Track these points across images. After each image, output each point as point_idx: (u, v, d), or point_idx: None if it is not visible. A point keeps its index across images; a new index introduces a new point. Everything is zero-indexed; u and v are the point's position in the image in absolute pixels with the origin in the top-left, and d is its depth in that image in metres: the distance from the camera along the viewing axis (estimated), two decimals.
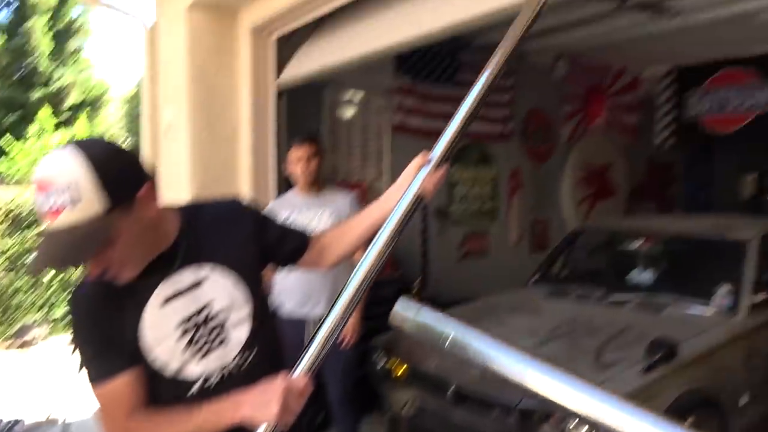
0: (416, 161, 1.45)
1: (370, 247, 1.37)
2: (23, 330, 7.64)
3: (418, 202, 1.42)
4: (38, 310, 7.94)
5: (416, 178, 1.43)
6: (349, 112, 4.91)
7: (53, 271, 7.98)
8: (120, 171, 1.18)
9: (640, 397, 2.36)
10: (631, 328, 2.92)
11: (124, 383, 1.26)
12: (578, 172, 6.57)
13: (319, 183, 3.10)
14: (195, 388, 1.30)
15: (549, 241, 6.14)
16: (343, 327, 1.31)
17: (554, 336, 2.98)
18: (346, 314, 1.30)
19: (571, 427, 2.32)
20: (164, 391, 1.29)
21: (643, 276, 3.63)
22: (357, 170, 4.94)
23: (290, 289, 2.95)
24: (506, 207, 6.00)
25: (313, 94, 4.59)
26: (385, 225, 1.38)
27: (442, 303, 4.59)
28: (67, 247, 1.12)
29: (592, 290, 3.54)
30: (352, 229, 1.51)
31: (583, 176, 6.60)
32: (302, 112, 4.38)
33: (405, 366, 3.17)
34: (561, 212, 6.45)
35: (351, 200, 3.11)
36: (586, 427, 2.24)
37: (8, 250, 7.80)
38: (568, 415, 2.30)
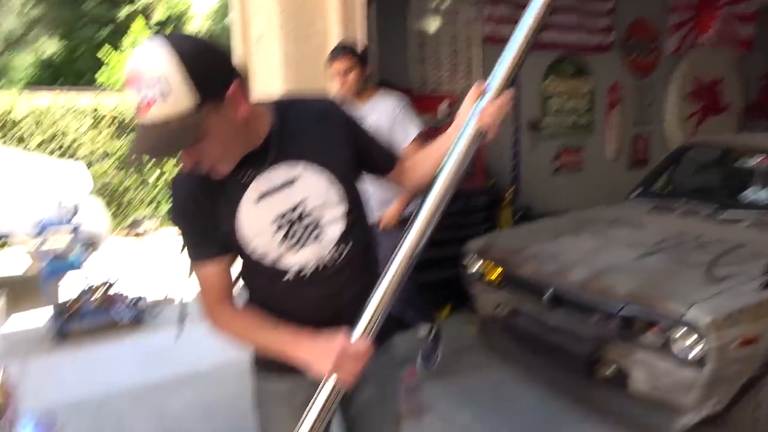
0: (470, 94, 1.35)
1: (425, 197, 1.32)
2: (135, 223, 8.40)
3: (480, 138, 1.33)
4: (147, 206, 8.68)
5: (472, 112, 1.32)
6: (437, 22, 4.74)
7: (158, 171, 8.57)
8: (209, 66, 1.16)
9: (758, 313, 2.28)
10: (746, 245, 2.77)
11: (214, 269, 1.34)
12: (686, 87, 6.11)
13: (364, 93, 3.01)
14: (290, 275, 1.35)
15: (649, 157, 5.85)
16: (402, 283, 1.29)
17: (659, 248, 2.88)
18: (406, 270, 1.28)
19: (676, 336, 2.28)
20: (264, 274, 1.36)
21: (760, 194, 3.40)
22: (446, 81, 4.83)
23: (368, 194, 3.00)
24: (604, 121, 5.72)
25: (402, 3, 4.48)
26: (441, 168, 1.32)
27: (534, 215, 4.57)
28: (159, 139, 1.13)
29: (700, 207, 3.36)
30: (431, 155, 1.45)
31: (690, 91, 6.14)
32: (390, 22, 4.28)
33: (499, 270, 3.20)
34: (664, 128, 6.08)
35: (396, 104, 3.01)
36: (694, 336, 2.21)
37: (117, 151, 8.41)
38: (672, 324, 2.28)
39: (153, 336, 4.31)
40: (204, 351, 3.94)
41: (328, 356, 1.22)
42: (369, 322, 1.28)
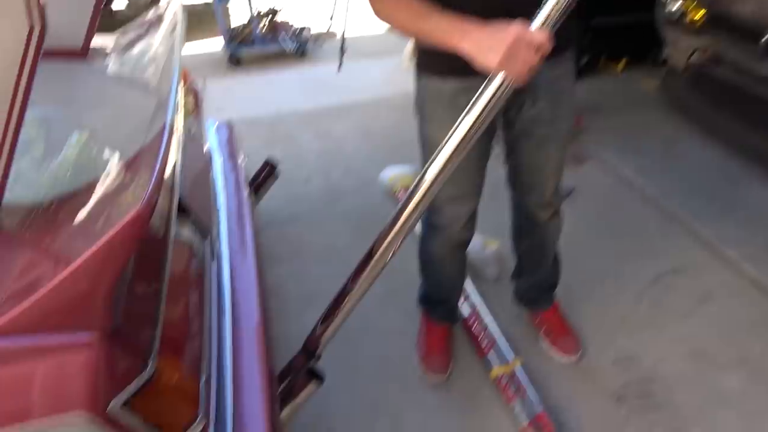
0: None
1: None
2: None
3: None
4: None
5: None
6: None
7: None
8: None
9: None
10: None
11: None
12: None
13: None
14: None
15: None
16: None
17: None
18: None
19: None
20: None
21: None
22: None
23: None
24: None
25: None
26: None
27: None
28: None
29: None
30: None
31: None
32: None
33: (703, 10, 2.66)
34: None
35: None
36: None
37: None
38: None
39: (316, 67, 4.43)
40: (363, 84, 4.03)
41: (498, 46, 1.05)
42: (550, 13, 1.08)
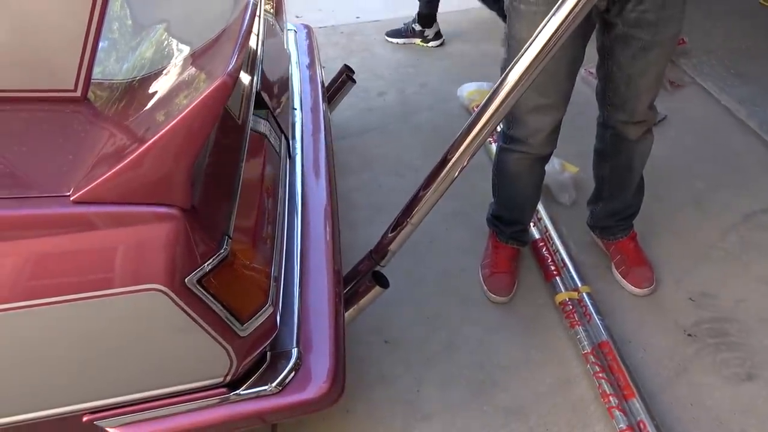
0: None
1: None
2: None
3: None
4: None
5: None
6: None
7: None
8: None
9: None
10: None
11: None
12: None
13: None
14: None
15: None
16: None
17: None
18: None
19: None
20: None
21: None
22: None
23: None
24: None
25: None
26: None
27: None
28: None
29: None
30: None
31: None
32: None
33: None
34: None
35: None
36: None
37: None
38: None
39: None
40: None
41: None
42: None
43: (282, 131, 1.42)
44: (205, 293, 0.89)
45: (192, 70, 0.96)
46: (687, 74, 2.75)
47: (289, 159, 1.45)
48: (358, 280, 1.41)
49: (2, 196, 0.82)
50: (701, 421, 1.44)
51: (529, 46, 1.04)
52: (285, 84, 1.69)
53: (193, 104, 0.78)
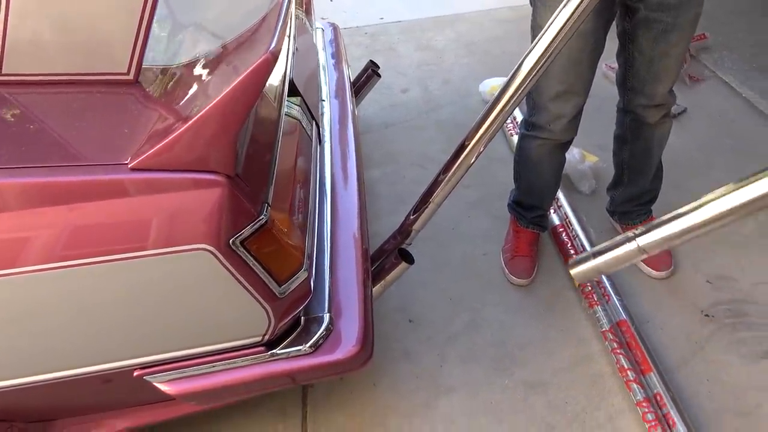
0: None
1: None
2: None
3: None
4: None
5: None
6: None
7: None
8: None
9: None
10: None
11: None
12: None
13: None
14: None
15: None
16: None
17: None
18: None
19: None
20: None
21: None
22: None
23: None
24: None
25: None
26: None
27: None
28: None
29: None
30: None
31: None
32: None
33: None
34: None
35: None
36: None
37: None
38: None
39: None
40: None
41: None
42: None
43: (313, 117, 1.51)
44: (247, 254, 0.98)
45: (233, 55, 1.06)
46: (708, 68, 2.78)
47: (320, 144, 1.54)
48: (384, 258, 1.49)
49: (69, 164, 0.92)
50: (717, 396, 1.48)
51: (545, 32, 1.11)
52: (315, 76, 1.78)
53: (240, 79, 0.87)
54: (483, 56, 3.14)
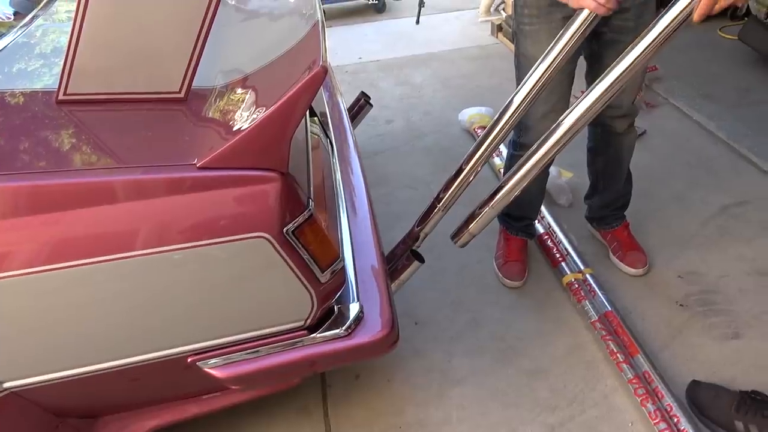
0: None
1: None
2: None
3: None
4: None
5: None
6: None
7: None
8: None
9: None
10: None
11: None
12: None
13: None
14: None
15: None
16: None
17: None
18: None
19: None
20: None
21: None
22: None
23: None
24: None
25: None
26: None
27: None
28: None
29: None
30: None
31: None
32: None
33: None
34: None
35: None
36: None
37: None
38: None
39: (395, 20, 4.63)
40: (440, 36, 4.20)
41: None
42: None
43: (327, 135, 1.68)
44: (297, 242, 1.12)
45: (278, 73, 1.22)
46: (660, 96, 3.09)
47: (333, 156, 1.70)
48: (397, 260, 1.65)
49: (145, 164, 1.05)
50: (698, 373, 1.66)
51: (535, 70, 1.35)
52: (321, 101, 1.96)
53: (297, 87, 1.03)
54: (458, 90, 3.39)
